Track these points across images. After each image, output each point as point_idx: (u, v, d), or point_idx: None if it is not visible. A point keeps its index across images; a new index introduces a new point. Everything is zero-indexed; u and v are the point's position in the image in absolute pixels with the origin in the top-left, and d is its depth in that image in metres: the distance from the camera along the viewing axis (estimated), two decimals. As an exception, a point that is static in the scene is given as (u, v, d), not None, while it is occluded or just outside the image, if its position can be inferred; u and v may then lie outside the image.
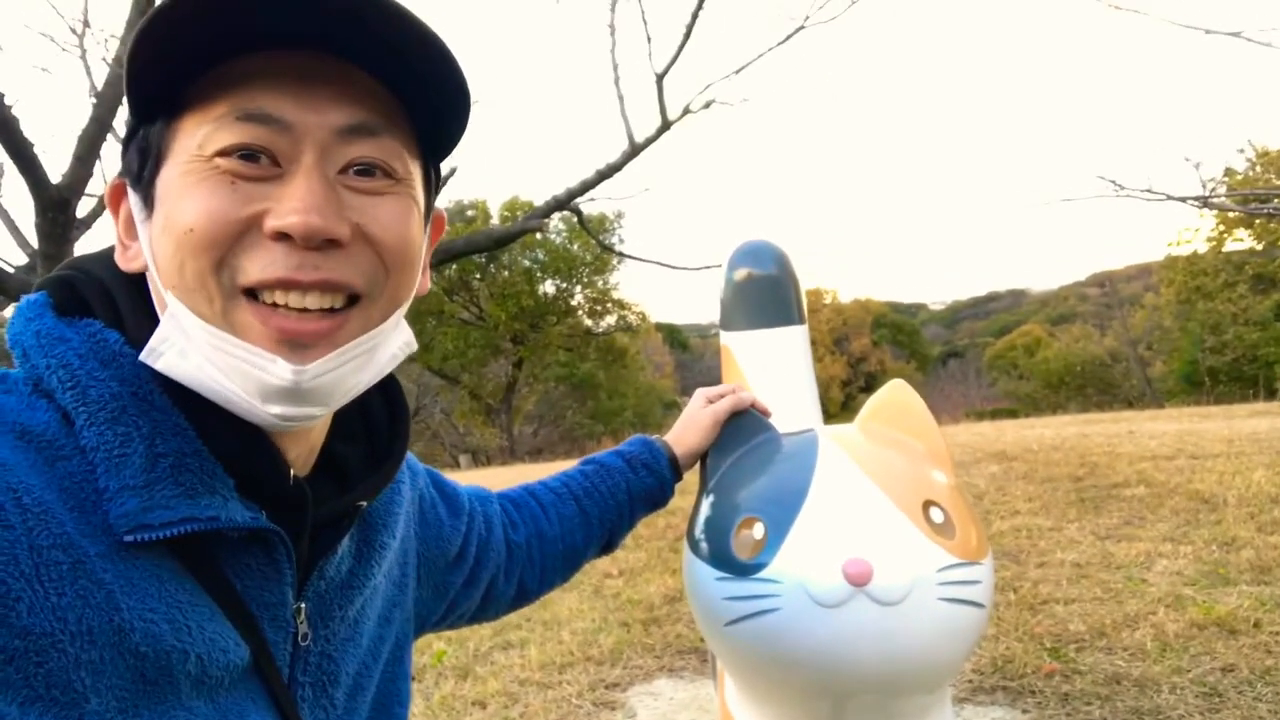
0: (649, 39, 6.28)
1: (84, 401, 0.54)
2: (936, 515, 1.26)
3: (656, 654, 3.04)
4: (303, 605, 0.65)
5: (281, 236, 0.53)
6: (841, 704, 1.29)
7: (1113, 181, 5.16)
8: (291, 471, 0.62)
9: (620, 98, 6.33)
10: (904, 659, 1.20)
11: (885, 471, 1.31)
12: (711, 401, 1.29)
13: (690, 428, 1.26)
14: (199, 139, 0.54)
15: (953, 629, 1.22)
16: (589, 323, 20.32)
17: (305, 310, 0.55)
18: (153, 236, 0.56)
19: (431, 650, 3.26)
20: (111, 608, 0.51)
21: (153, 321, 0.57)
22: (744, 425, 1.37)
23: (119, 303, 0.59)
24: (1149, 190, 5.29)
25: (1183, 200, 5.47)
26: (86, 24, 5.19)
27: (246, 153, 0.54)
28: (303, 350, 0.55)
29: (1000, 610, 3.11)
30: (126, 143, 0.57)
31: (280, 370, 0.54)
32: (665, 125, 6.44)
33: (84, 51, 5.31)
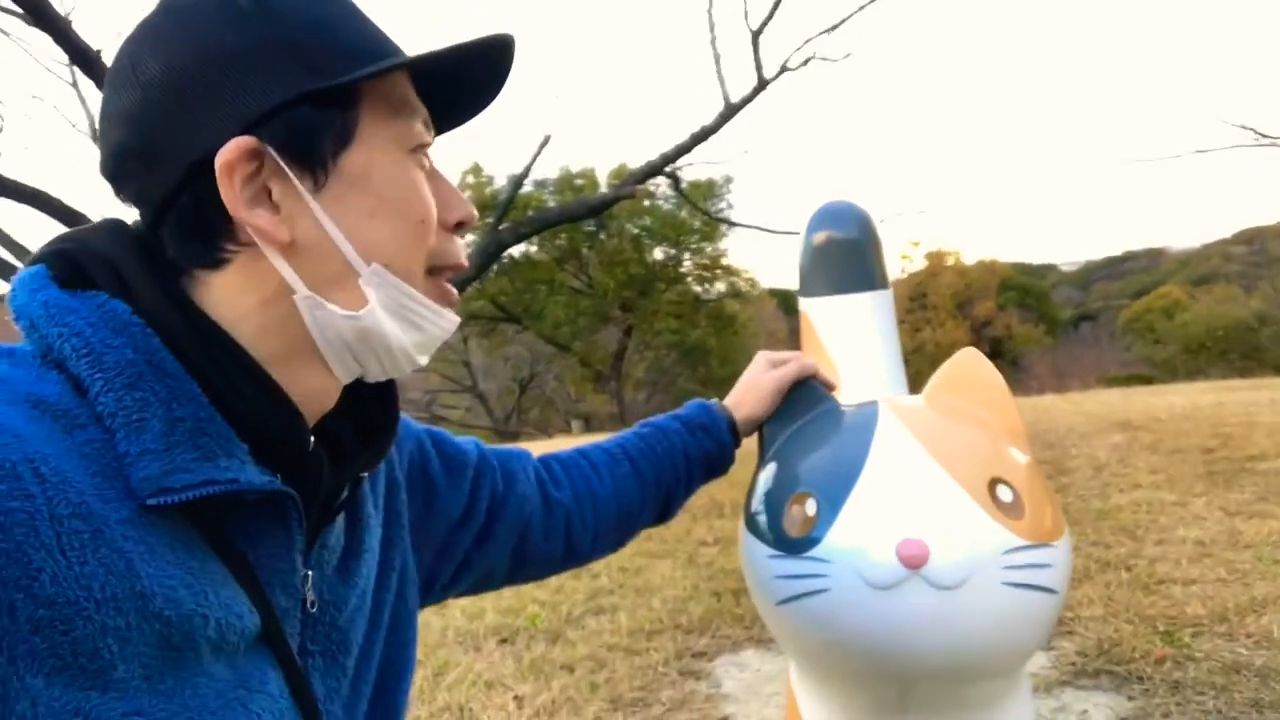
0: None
1: (100, 368, 0.54)
2: (1004, 494, 1.18)
3: (746, 624, 3.01)
4: (309, 573, 0.65)
5: (458, 226, 0.68)
6: (905, 688, 1.23)
7: (1251, 129, 4.76)
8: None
9: (716, 57, 6.20)
10: (964, 646, 1.13)
11: (948, 446, 1.23)
12: (775, 366, 1.25)
13: (751, 392, 1.22)
14: (396, 133, 0.63)
15: (1019, 615, 1.14)
16: (698, 289, 20.20)
17: None
18: (346, 207, 0.61)
19: (526, 613, 3.33)
20: (132, 575, 0.51)
21: (164, 293, 0.58)
22: (803, 395, 1.31)
23: (125, 274, 0.59)
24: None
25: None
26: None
27: (422, 151, 0.66)
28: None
29: (1111, 590, 2.94)
30: (263, 114, 0.58)
31: (450, 326, 0.69)
32: (761, 84, 6.26)
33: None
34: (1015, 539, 1.13)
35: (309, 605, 0.65)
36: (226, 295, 0.60)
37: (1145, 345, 30.75)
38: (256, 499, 0.58)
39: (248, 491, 0.57)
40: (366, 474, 0.69)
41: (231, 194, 0.57)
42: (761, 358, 1.26)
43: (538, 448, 1.13)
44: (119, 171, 0.61)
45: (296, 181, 0.59)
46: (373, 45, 0.62)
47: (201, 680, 0.54)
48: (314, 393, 0.64)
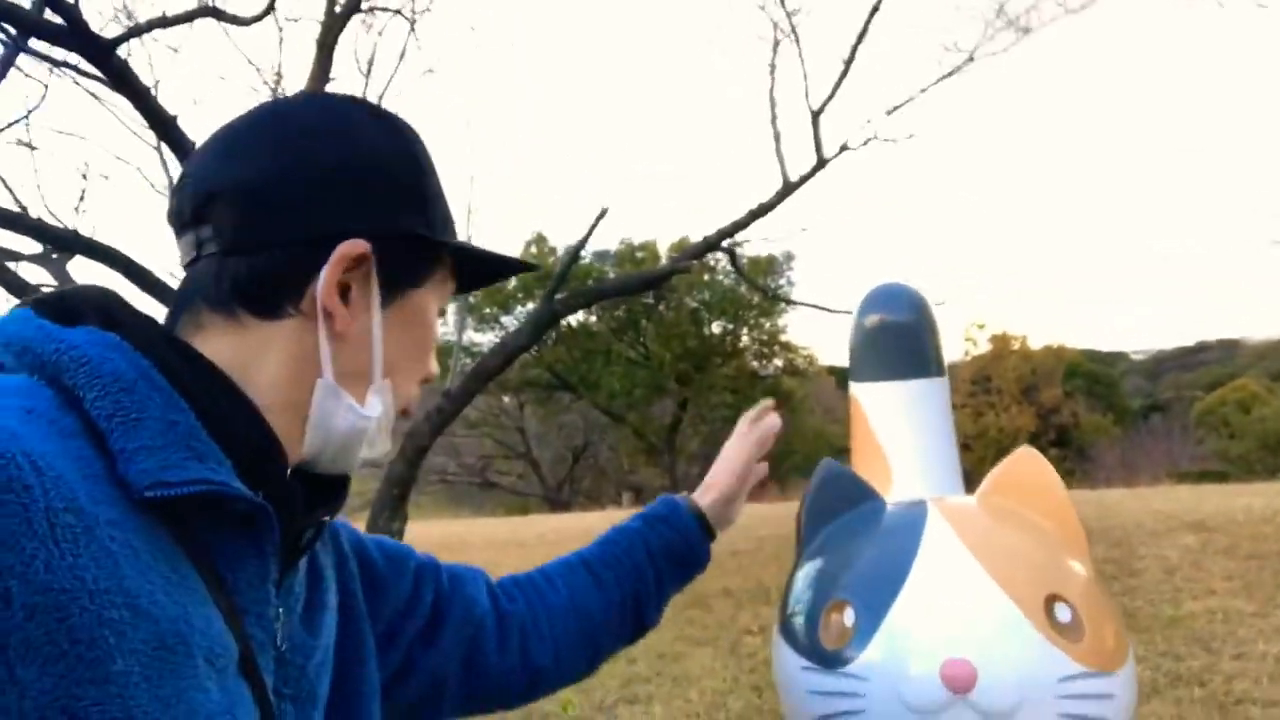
0: (805, 75, 6.16)
1: (97, 375, 0.57)
2: (1062, 613, 1.08)
3: (787, 723, 2.86)
4: (281, 611, 0.66)
5: (424, 380, 0.77)
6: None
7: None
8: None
9: (776, 136, 6.25)
10: (1013, 783, 1.02)
11: (1002, 557, 1.14)
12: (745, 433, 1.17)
13: (720, 471, 1.14)
14: (441, 295, 0.76)
15: (1075, 752, 1.03)
16: (755, 365, 20.14)
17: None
18: (388, 330, 0.71)
19: (556, 698, 3.22)
20: (119, 574, 0.52)
21: (155, 329, 0.64)
22: (844, 490, 1.24)
23: (116, 314, 0.63)
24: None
25: None
26: (280, 76, 5.64)
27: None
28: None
29: (1183, 708, 2.75)
30: (383, 233, 0.70)
31: (372, 457, 0.75)
32: (821, 163, 6.30)
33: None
34: (1073, 665, 1.04)
35: (280, 644, 0.65)
36: (251, 341, 0.66)
37: (1219, 440, 29.66)
38: (239, 513, 0.60)
39: (235, 498, 0.59)
40: (329, 517, 0.74)
41: (330, 277, 0.66)
42: (740, 436, 1.18)
43: (588, 519, 1.09)
44: (230, 198, 0.66)
45: (377, 293, 0.69)
46: (452, 220, 0.76)
47: (199, 697, 0.54)
48: (286, 441, 0.67)
